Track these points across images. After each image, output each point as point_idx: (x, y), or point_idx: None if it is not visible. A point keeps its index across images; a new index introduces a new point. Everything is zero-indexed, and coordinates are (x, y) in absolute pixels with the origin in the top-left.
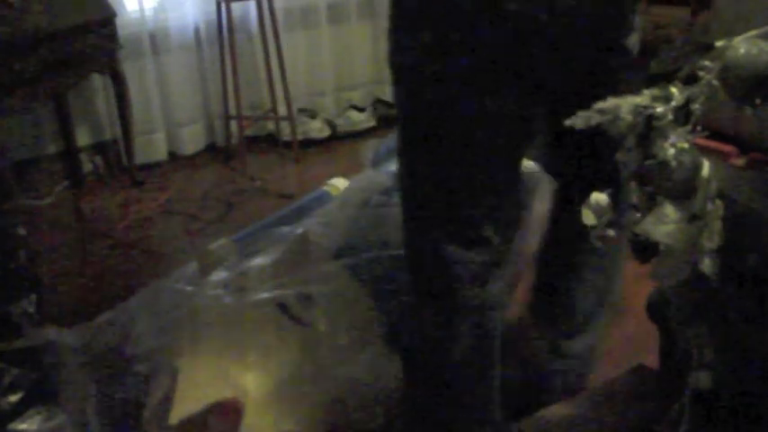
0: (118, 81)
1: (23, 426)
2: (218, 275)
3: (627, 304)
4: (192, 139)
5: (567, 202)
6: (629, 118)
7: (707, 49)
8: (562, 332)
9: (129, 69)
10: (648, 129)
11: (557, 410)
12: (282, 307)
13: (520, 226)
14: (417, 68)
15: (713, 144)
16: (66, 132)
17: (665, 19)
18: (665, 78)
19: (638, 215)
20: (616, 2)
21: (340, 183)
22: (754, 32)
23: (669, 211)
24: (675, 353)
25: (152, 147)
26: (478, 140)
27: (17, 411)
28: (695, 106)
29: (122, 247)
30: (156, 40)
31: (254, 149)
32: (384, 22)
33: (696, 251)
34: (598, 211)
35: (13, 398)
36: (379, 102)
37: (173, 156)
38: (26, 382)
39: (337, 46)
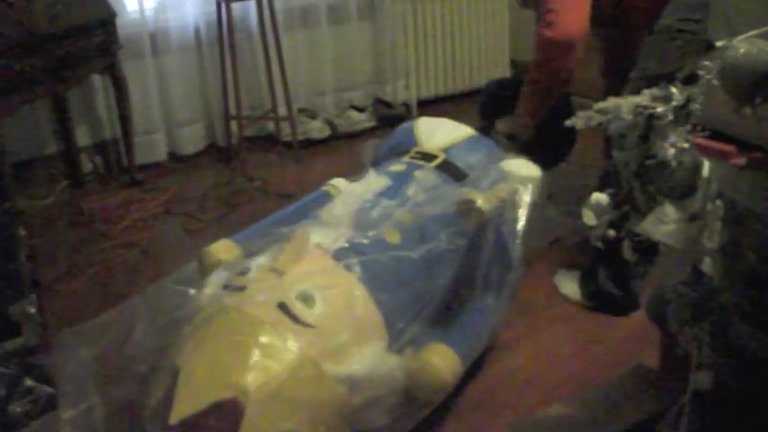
0: (118, 81)
1: None
2: (218, 275)
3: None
4: (191, 139)
5: None
6: (629, 118)
7: (707, 49)
8: None
9: (129, 69)
10: (648, 129)
11: (556, 410)
12: (282, 307)
13: None
14: None
15: (713, 144)
16: (66, 132)
17: None
18: (665, 78)
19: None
20: None
21: (340, 183)
22: (754, 32)
23: (669, 211)
24: (675, 353)
25: (152, 147)
26: None
27: (23, 421)
28: (695, 106)
29: (122, 247)
30: (156, 41)
31: (254, 149)
32: (384, 22)
33: (696, 251)
34: (598, 210)
35: (23, 408)
36: (379, 102)
37: (173, 156)
38: (37, 394)
39: (337, 46)
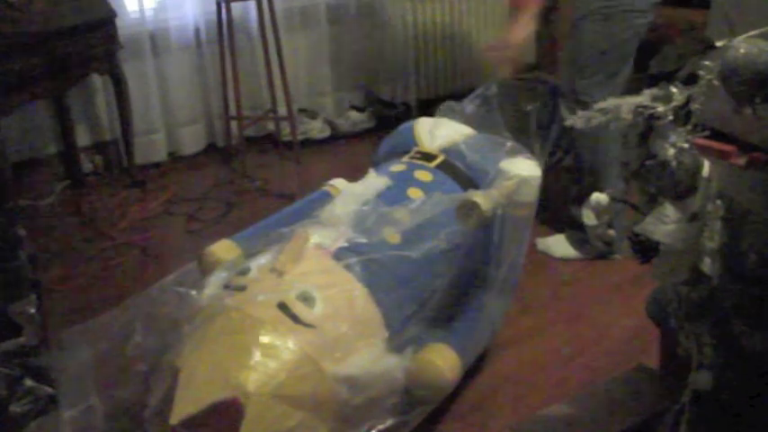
0: (118, 81)
1: None
2: (218, 275)
3: (627, 304)
4: (192, 140)
5: None
6: (629, 118)
7: (707, 49)
8: None
9: (129, 69)
10: (649, 129)
11: (557, 410)
12: (283, 307)
13: None
14: None
15: (713, 144)
16: (66, 132)
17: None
18: (665, 78)
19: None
20: None
21: (340, 183)
22: (754, 32)
23: (669, 211)
24: (675, 353)
25: (152, 147)
26: None
27: (23, 421)
28: (695, 106)
29: (122, 247)
30: (156, 40)
31: (254, 149)
32: (384, 23)
33: (696, 251)
34: (598, 210)
35: (23, 408)
36: (379, 102)
37: (173, 156)
38: (38, 394)
39: (337, 46)
